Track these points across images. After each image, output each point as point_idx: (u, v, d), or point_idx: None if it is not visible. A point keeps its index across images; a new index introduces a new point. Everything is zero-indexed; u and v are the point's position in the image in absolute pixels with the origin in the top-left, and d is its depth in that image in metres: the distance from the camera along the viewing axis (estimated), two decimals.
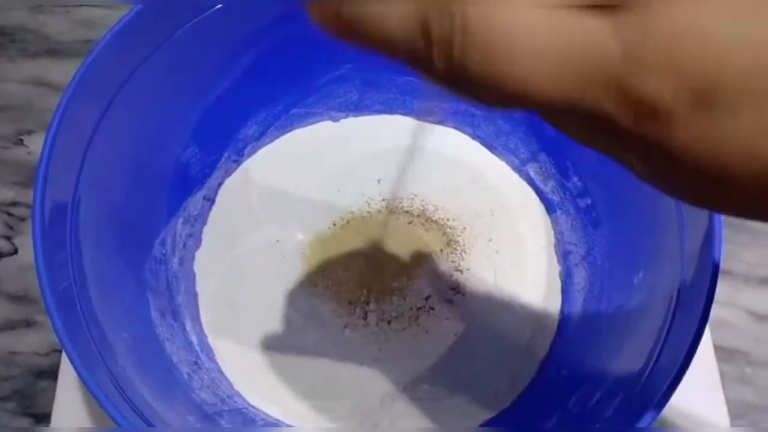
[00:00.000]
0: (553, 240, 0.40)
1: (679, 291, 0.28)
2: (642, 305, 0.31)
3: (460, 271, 0.38)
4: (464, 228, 0.39)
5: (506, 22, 0.12)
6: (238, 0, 0.32)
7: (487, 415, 0.35)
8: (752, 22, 0.11)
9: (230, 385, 0.35)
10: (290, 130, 0.42)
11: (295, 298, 0.37)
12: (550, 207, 0.40)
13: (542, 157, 0.40)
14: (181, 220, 0.38)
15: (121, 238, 0.33)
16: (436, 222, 0.39)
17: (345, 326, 0.36)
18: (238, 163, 0.40)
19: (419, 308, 0.37)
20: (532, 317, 0.37)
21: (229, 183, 0.40)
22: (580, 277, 0.37)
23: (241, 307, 0.37)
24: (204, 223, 0.39)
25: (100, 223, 0.31)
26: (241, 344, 0.36)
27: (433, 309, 0.37)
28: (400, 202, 0.40)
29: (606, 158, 0.15)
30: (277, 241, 0.39)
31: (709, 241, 0.26)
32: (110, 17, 0.48)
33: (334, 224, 0.39)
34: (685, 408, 0.34)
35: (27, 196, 0.42)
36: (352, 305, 0.37)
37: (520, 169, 0.41)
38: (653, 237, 0.31)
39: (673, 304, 0.28)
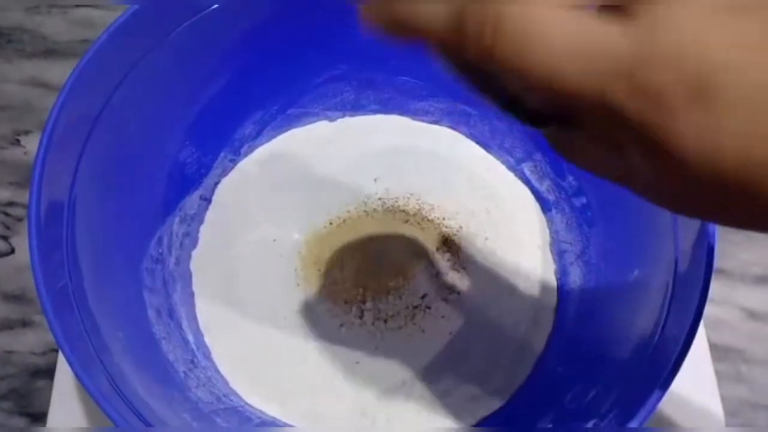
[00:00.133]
0: (548, 239, 0.40)
1: (673, 288, 0.28)
2: (637, 302, 0.31)
3: (456, 270, 0.38)
4: (460, 227, 0.39)
5: (537, 17, 0.14)
6: (233, 0, 0.33)
7: (484, 413, 0.35)
8: (741, 31, 0.13)
9: (226, 383, 0.35)
10: (287, 130, 0.42)
11: (292, 297, 0.37)
12: (545, 206, 0.40)
13: (538, 156, 0.40)
14: (177, 219, 0.38)
15: (117, 238, 0.33)
16: (432, 221, 0.39)
17: (341, 325, 0.36)
18: (234, 162, 0.41)
19: (415, 307, 0.37)
20: (528, 315, 0.37)
21: (226, 182, 0.40)
22: (575, 275, 0.38)
23: (237, 306, 0.37)
24: (201, 222, 0.39)
25: (97, 222, 0.31)
26: (237, 343, 0.36)
27: (429, 308, 0.37)
28: (396, 201, 0.40)
29: None
30: (274, 240, 0.39)
31: (702, 237, 0.27)
32: (107, 17, 0.48)
33: (331, 223, 0.39)
34: (681, 406, 0.35)
35: (23, 196, 0.42)
36: (348, 304, 0.37)
37: (515, 169, 0.41)
38: (647, 236, 0.32)
39: (667, 301, 0.28)
